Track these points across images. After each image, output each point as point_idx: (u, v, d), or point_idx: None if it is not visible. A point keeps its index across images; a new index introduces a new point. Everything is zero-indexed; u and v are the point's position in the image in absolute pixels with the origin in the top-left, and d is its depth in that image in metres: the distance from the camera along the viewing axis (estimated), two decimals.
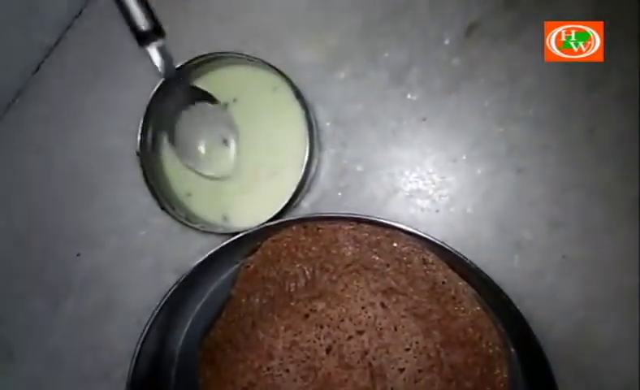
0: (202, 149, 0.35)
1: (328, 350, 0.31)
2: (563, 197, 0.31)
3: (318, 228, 0.32)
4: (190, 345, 0.34)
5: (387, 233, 0.31)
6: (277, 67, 0.33)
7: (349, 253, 0.32)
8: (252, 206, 0.34)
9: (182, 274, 0.32)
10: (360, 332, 0.31)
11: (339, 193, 0.34)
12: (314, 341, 0.31)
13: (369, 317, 0.31)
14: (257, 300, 0.33)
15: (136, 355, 0.32)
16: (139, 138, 0.34)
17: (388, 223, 0.30)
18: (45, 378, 0.37)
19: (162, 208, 0.33)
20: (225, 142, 0.35)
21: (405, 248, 0.31)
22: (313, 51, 0.36)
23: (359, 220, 0.31)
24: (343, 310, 0.31)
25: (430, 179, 0.33)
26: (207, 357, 0.33)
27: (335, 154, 0.35)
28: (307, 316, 0.32)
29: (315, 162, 0.34)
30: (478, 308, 0.30)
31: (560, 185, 0.31)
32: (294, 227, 0.32)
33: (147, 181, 0.34)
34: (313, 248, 0.32)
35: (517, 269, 0.31)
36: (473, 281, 0.30)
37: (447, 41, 0.34)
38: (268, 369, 0.32)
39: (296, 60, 0.35)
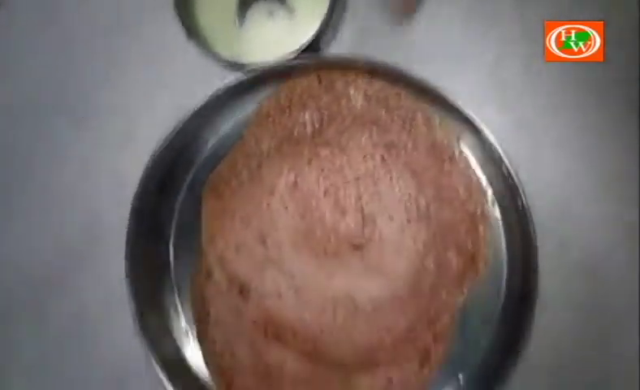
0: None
1: (325, 193, 0.33)
2: (568, 80, 0.33)
3: (332, 79, 0.33)
4: (198, 181, 0.37)
5: (396, 91, 0.33)
6: None
7: (358, 106, 0.33)
8: (271, 49, 0.35)
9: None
10: (357, 179, 0.33)
11: (359, 50, 0.36)
12: (314, 184, 0.33)
13: (368, 167, 0.33)
14: (266, 142, 0.35)
15: (142, 179, 0.34)
16: None
17: (402, 70, 0.31)
18: (57, 208, 0.39)
19: (189, 37, 0.34)
20: (271, 14, 0.36)
21: (412, 106, 0.32)
22: None
23: (373, 68, 0.32)
24: (345, 159, 0.33)
25: (448, 47, 0.34)
26: (212, 188, 0.35)
27: (359, 15, 0.36)
28: (310, 160, 0.34)
29: (338, 15, 0.35)
30: (472, 169, 0.32)
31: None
32: (309, 77, 0.34)
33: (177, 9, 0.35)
34: (325, 97, 0.34)
35: (516, 141, 0.33)
36: (471, 140, 0.32)
37: None
38: (268, 205, 0.34)
39: None
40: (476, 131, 0.31)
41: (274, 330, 0.33)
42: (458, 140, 0.32)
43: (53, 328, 0.36)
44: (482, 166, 0.33)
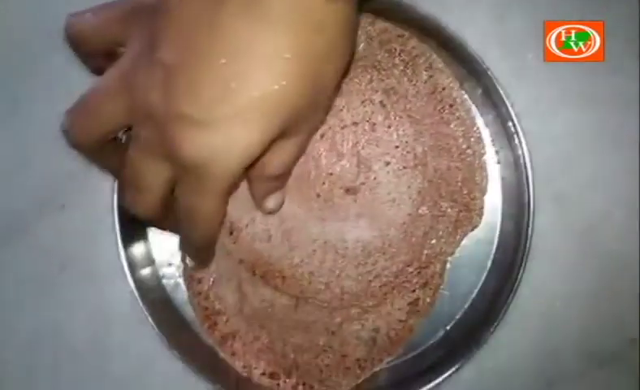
0: None
1: (322, 135, 0.33)
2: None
3: None
4: None
5: (399, 33, 0.32)
6: None
7: (360, 48, 0.32)
8: None
9: None
10: (355, 124, 0.32)
11: None
12: None
13: (367, 111, 0.32)
14: None
15: None
16: None
17: (407, 7, 0.31)
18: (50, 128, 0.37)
19: None
20: None
21: (415, 50, 0.32)
22: None
23: (377, 5, 0.31)
24: (344, 102, 0.33)
25: None
26: None
27: None
28: None
29: None
30: (472, 118, 0.32)
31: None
32: None
33: None
34: None
35: (518, 90, 0.32)
36: (473, 86, 0.32)
37: None
38: None
39: None
40: (479, 76, 0.30)
41: (263, 272, 0.33)
42: (460, 85, 0.32)
43: (32, 264, 0.35)
44: (483, 115, 0.32)
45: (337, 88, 0.29)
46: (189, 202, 0.26)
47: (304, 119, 0.26)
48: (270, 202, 0.31)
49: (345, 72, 0.28)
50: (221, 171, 0.24)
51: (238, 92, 0.23)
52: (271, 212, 0.32)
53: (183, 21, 0.23)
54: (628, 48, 0.33)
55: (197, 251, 0.32)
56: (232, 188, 0.26)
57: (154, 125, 0.24)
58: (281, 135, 0.25)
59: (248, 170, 0.26)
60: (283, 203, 0.32)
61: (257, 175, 0.29)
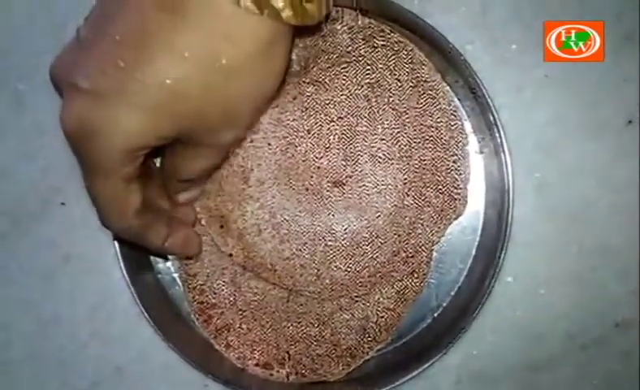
0: None
1: (309, 131, 0.33)
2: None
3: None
4: None
5: (382, 28, 0.33)
6: None
7: (344, 43, 0.33)
8: None
9: None
10: (340, 118, 0.33)
11: None
12: (297, 121, 0.33)
13: (351, 106, 0.33)
14: None
15: None
16: None
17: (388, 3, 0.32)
18: (52, 124, 0.38)
19: None
20: None
21: (397, 45, 0.33)
22: None
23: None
24: (329, 97, 0.33)
25: None
26: None
27: None
28: (295, 98, 0.34)
29: None
30: (454, 109, 0.32)
31: None
32: None
33: None
34: (312, 35, 0.34)
35: (500, 80, 0.33)
36: (455, 78, 0.33)
37: None
38: (252, 141, 0.34)
39: None
40: (460, 68, 0.31)
41: (253, 266, 0.34)
42: (442, 77, 0.32)
43: (36, 257, 0.36)
44: (464, 106, 0.33)
45: (259, 111, 0.28)
46: (85, 182, 0.26)
47: (211, 130, 0.25)
48: (181, 196, 0.32)
49: (271, 97, 0.27)
50: (98, 146, 0.23)
51: (124, 72, 0.21)
52: (182, 204, 0.32)
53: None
54: (628, 48, 0.33)
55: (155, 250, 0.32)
56: (122, 172, 0.24)
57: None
58: (187, 140, 0.25)
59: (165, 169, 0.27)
60: (195, 198, 0.33)
61: (169, 175, 0.29)
